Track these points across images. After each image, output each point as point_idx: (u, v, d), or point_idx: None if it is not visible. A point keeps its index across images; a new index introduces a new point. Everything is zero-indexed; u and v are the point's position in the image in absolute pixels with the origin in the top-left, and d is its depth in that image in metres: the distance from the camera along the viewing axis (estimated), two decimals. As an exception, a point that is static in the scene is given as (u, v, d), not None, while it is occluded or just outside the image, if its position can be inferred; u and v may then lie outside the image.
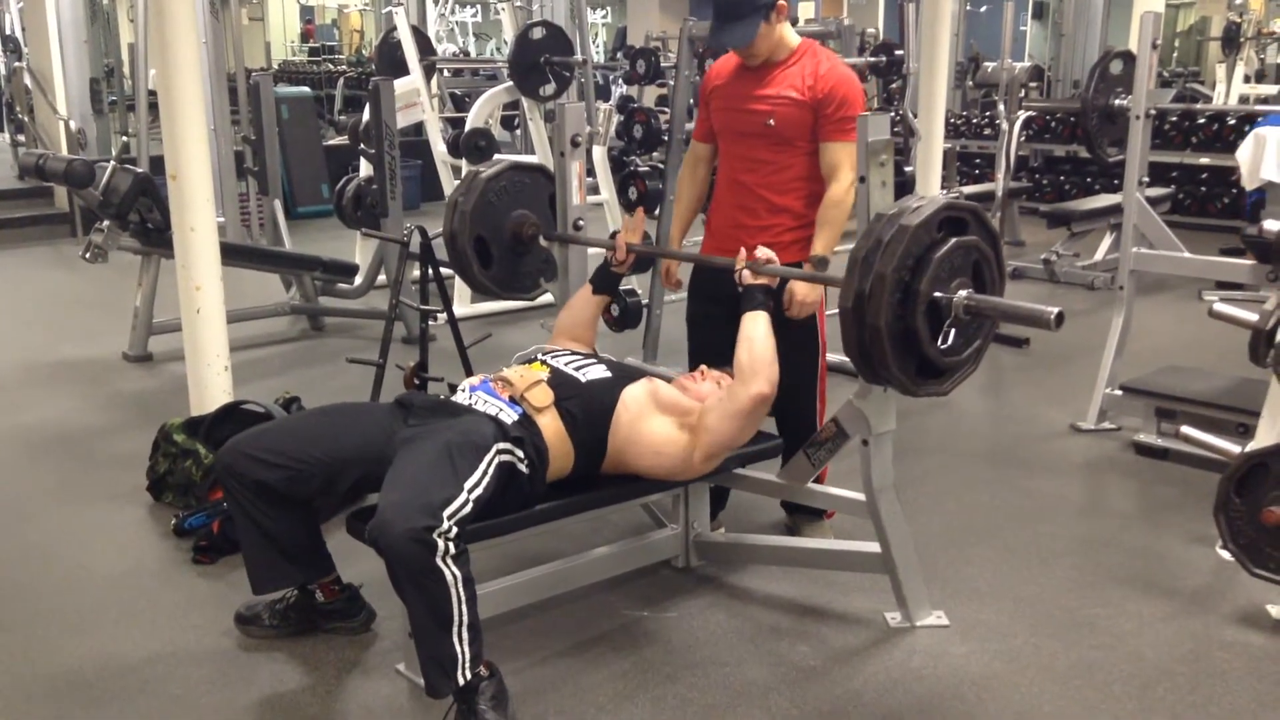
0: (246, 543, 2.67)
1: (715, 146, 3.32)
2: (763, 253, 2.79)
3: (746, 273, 2.78)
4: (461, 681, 2.33)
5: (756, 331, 2.73)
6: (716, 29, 3.08)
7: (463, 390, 2.76)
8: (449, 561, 2.27)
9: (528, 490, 2.60)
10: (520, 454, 2.57)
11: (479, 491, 2.41)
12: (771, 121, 3.07)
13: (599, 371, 2.81)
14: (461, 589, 2.29)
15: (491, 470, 2.46)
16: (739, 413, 2.69)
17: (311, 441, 2.63)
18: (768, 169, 3.12)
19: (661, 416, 2.75)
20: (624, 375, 2.83)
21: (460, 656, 2.32)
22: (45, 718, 2.54)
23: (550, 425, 2.65)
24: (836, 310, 2.49)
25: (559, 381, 2.73)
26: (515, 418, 2.62)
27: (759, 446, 3.01)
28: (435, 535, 2.25)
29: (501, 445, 2.52)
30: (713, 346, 3.14)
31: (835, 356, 4.32)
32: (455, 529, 2.30)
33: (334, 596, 2.84)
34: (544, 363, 2.83)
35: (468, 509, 2.36)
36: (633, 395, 2.75)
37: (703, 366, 2.99)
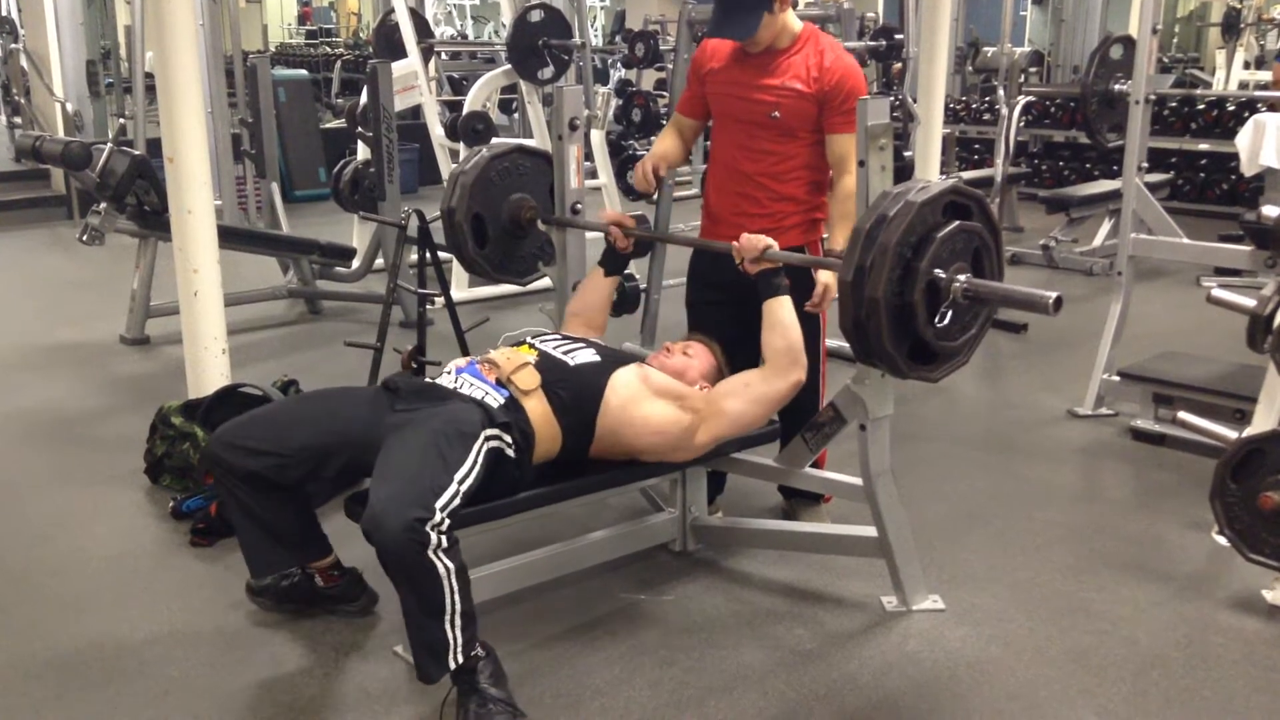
0: (241, 530, 2.68)
1: (699, 123, 3.30)
2: (761, 240, 2.78)
3: (750, 264, 2.78)
4: (453, 666, 2.34)
5: (786, 318, 2.80)
6: (718, 19, 3.01)
7: (448, 372, 2.75)
8: (440, 555, 2.26)
9: (515, 475, 2.60)
10: (508, 439, 2.56)
11: (469, 483, 2.40)
12: (777, 114, 3.03)
13: (588, 356, 2.80)
14: (454, 580, 2.29)
15: (481, 458, 2.46)
16: (775, 399, 2.80)
17: (298, 428, 2.62)
18: (771, 159, 3.10)
19: (655, 400, 2.76)
20: (613, 360, 2.83)
21: (452, 642, 2.32)
22: (43, 698, 2.54)
23: (537, 408, 2.65)
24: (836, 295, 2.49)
25: (546, 365, 2.73)
26: (501, 401, 2.61)
27: (759, 431, 3.02)
28: (428, 528, 2.24)
29: (489, 431, 2.52)
30: (713, 331, 3.14)
31: (835, 342, 4.33)
32: (447, 521, 2.29)
33: (333, 582, 2.85)
34: (532, 345, 2.82)
35: (457, 501, 2.35)
36: (623, 380, 2.75)
37: (666, 344, 3.02)
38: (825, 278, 3.00)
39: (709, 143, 3.35)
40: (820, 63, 3.01)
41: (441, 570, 2.27)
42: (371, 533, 2.26)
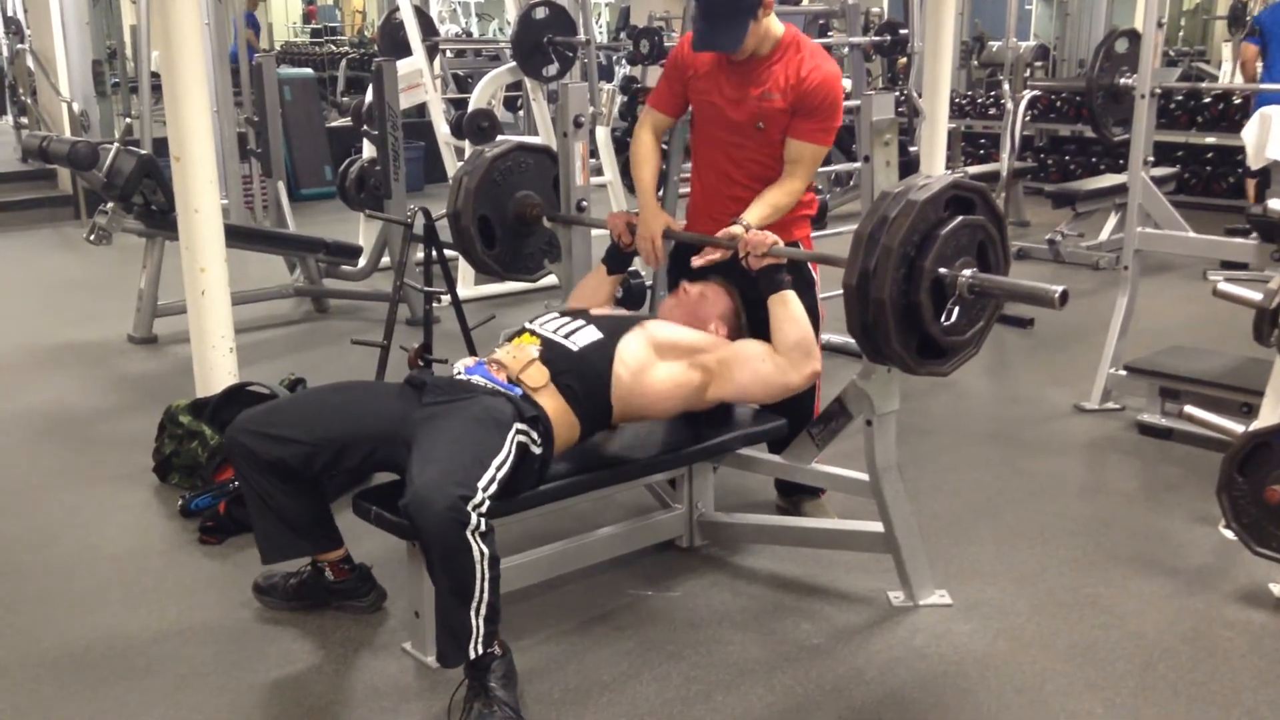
0: (256, 516, 2.69)
1: (675, 120, 3.26)
2: (769, 236, 2.80)
3: (754, 259, 2.79)
4: (472, 655, 2.35)
5: (794, 312, 2.80)
6: (703, 32, 2.96)
7: (456, 373, 2.74)
8: (477, 538, 2.29)
9: (537, 472, 2.61)
10: (535, 436, 2.57)
11: (505, 470, 2.43)
12: (762, 124, 3.00)
13: (590, 334, 2.78)
14: (486, 567, 2.31)
15: (514, 449, 2.48)
16: (787, 389, 2.79)
17: (326, 417, 2.64)
18: (759, 166, 3.07)
19: (663, 363, 2.76)
20: (615, 330, 2.81)
21: (475, 631, 2.33)
22: (51, 697, 2.55)
23: (551, 403, 2.65)
24: (839, 291, 2.50)
25: (551, 355, 2.72)
26: (519, 399, 2.62)
27: (764, 426, 3.03)
28: (469, 507, 2.27)
29: (520, 425, 2.54)
30: None
31: (838, 337, 4.32)
32: (487, 503, 2.33)
33: (344, 576, 2.86)
34: (533, 333, 2.81)
35: (495, 486, 2.38)
36: (629, 350, 2.75)
37: (683, 283, 3.02)
38: (734, 231, 2.90)
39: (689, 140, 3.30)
40: (798, 72, 2.97)
41: (476, 554, 2.28)
42: (415, 513, 2.28)
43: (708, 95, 3.10)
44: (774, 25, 3.01)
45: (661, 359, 2.77)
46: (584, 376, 2.70)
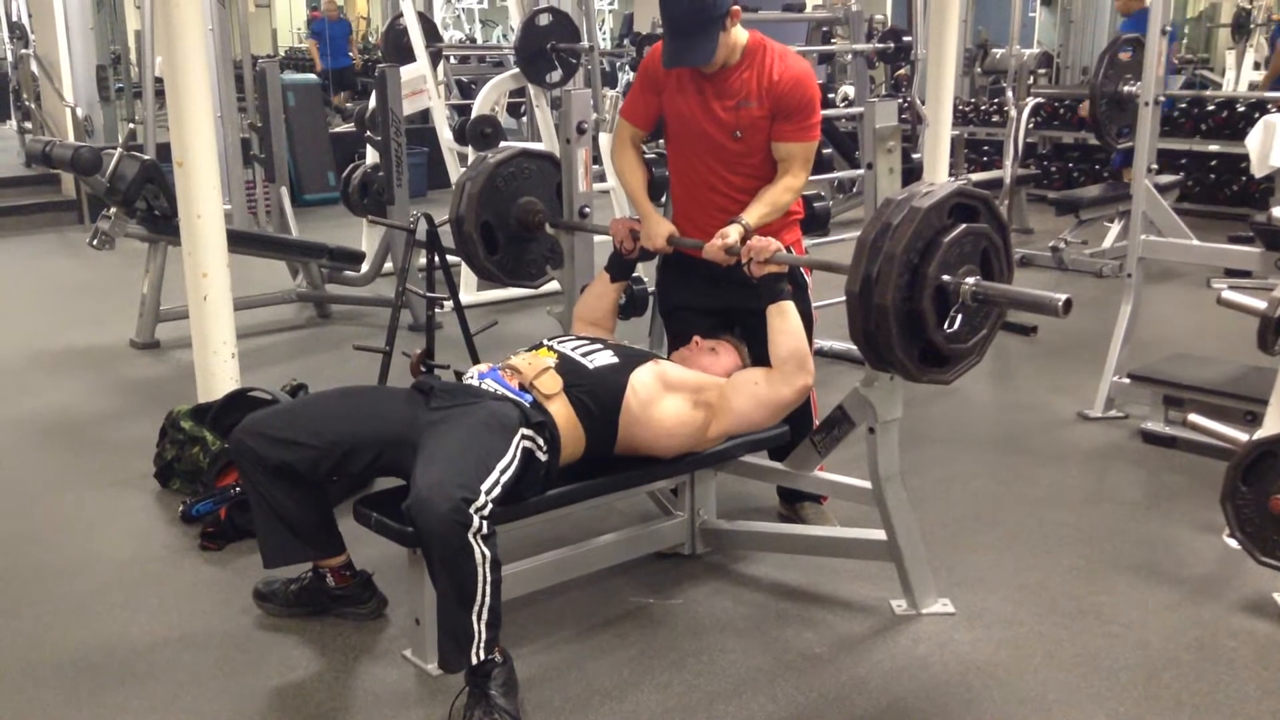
0: (260, 519, 2.69)
1: (648, 132, 3.24)
2: (772, 243, 2.79)
3: (756, 265, 2.79)
4: (474, 660, 2.35)
5: (791, 324, 2.80)
6: (675, 50, 2.93)
7: (470, 378, 2.76)
8: (479, 541, 2.29)
9: (543, 478, 2.61)
10: (541, 442, 2.58)
11: (510, 473, 2.44)
12: (739, 134, 2.99)
13: (606, 357, 2.81)
14: (488, 571, 2.31)
15: (519, 454, 2.49)
16: (781, 404, 2.80)
17: (334, 422, 2.65)
18: (741, 176, 3.05)
19: (672, 397, 2.77)
20: (631, 359, 2.83)
21: (476, 636, 2.33)
22: (53, 702, 2.55)
23: (561, 412, 2.66)
24: (841, 297, 2.49)
25: (567, 368, 2.74)
26: (528, 405, 2.63)
27: (767, 433, 3.02)
28: (471, 510, 2.28)
29: (525, 431, 2.54)
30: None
31: (840, 344, 4.32)
32: (490, 505, 2.33)
33: (345, 583, 2.85)
34: (550, 348, 2.83)
35: (499, 490, 2.39)
36: (641, 380, 2.76)
37: (696, 337, 3.02)
38: (732, 238, 2.89)
39: (667, 152, 3.25)
40: (770, 76, 2.96)
41: (479, 556, 2.29)
42: (418, 514, 2.28)
43: (683, 108, 3.07)
44: (740, 33, 2.99)
45: (669, 394, 2.78)
46: (597, 395, 2.71)
